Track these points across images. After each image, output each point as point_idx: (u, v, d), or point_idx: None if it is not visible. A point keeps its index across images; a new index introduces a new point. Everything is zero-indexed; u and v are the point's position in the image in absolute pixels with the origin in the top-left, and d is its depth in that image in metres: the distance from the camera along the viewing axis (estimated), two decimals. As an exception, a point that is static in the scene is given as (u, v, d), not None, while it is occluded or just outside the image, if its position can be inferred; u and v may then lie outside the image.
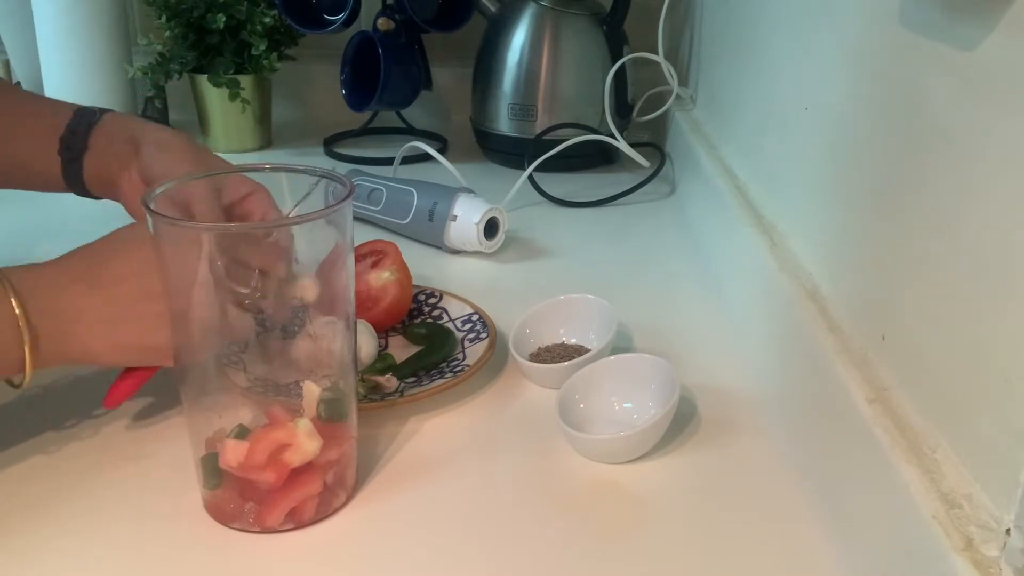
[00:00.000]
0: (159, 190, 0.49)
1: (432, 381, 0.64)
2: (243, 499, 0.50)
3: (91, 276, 0.54)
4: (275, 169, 0.61)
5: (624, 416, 0.61)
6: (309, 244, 0.49)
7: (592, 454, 0.58)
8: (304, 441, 0.49)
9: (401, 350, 0.70)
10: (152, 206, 0.46)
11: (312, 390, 0.50)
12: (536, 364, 0.66)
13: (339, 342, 0.51)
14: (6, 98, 0.70)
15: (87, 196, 0.71)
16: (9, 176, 0.71)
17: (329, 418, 0.51)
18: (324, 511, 0.52)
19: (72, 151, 0.68)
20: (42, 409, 0.61)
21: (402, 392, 0.63)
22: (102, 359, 0.55)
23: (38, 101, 0.73)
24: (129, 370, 0.57)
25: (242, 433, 0.49)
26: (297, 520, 0.51)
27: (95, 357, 0.55)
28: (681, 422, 0.61)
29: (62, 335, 0.53)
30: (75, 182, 0.69)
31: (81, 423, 0.60)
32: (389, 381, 0.63)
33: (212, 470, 0.50)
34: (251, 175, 0.62)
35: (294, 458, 0.49)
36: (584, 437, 0.57)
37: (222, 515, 0.51)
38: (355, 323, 0.53)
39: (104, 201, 0.71)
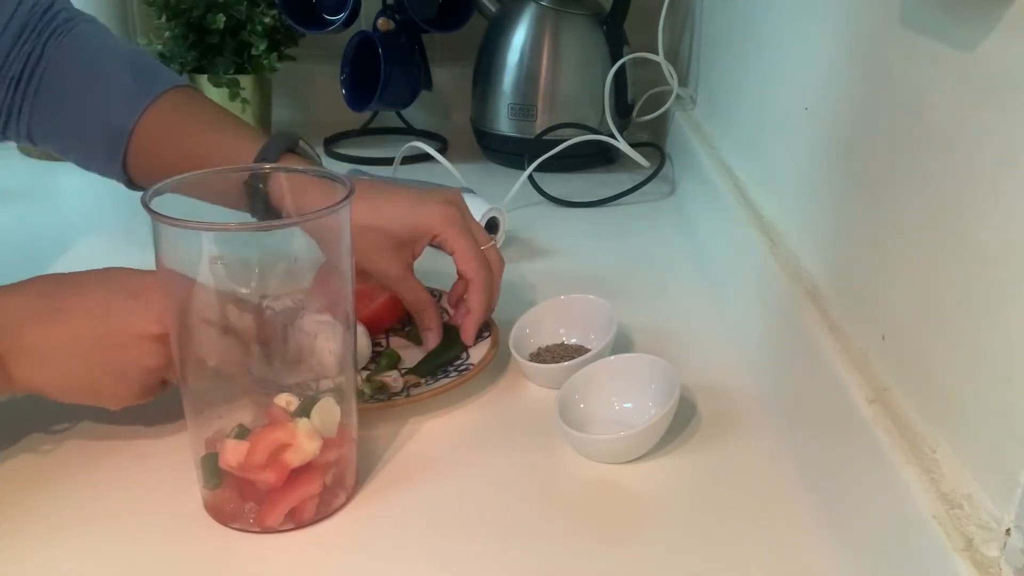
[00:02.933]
0: (160, 187, 0.49)
1: (437, 380, 0.64)
2: (243, 499, 0.50)
3: (50, 311, 0.53)
4: (275, 169, 0.61)
5: (624, 416, 0.61)
6: (310, 244, 0.49)
7: (592, 454, 0.58)
8: (304, 441, 0.49)
9: (401, 350, 0.70)
10: (152, 205, 0.46)
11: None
12: (536, 364, 0.66)
13: (339, 343, 0.51)
14: (200, 138, 0.69)
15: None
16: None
17: None
18: (324, 511, 0.52)
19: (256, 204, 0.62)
20: (41, 409, 0.61)
21: (408, 392, 0.63)
22: (45, 393, 0.54)
23: (225, 142, 0.69)
24: None
25: (242, 433, 0.49)
26: (297, 520, 0.51)
27: (38, 390, 0.54)
28: (681, 422, 0.61)
29: (7, 366, 0.52)
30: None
31: (80, 422, 0.60)
32: (396, 381, 0.63)
33: (212, 470, 0.50)
34: (253, 175, 0.62)
35: (294, 458, 0.49)
36: (584, 437, 0.57)
37: (222, 515, 0.51)
38: (355, 324, 0.53)
39: (101, 206, 0.70)
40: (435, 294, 0.76)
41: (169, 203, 0.48)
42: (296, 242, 0.49)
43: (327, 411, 0.51)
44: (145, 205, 0.46)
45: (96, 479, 0.55)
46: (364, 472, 0.56)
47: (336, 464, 0.52)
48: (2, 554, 0.49)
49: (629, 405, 0.62)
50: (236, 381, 0.51)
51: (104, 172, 0.73)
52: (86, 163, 0.74)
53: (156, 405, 0.62)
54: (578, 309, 0.71)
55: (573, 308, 0.72)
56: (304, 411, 0.50)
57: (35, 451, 0.57)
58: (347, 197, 0.48)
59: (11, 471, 0.55)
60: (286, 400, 0.50)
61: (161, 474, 0.55)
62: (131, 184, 0.73)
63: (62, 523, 0.51)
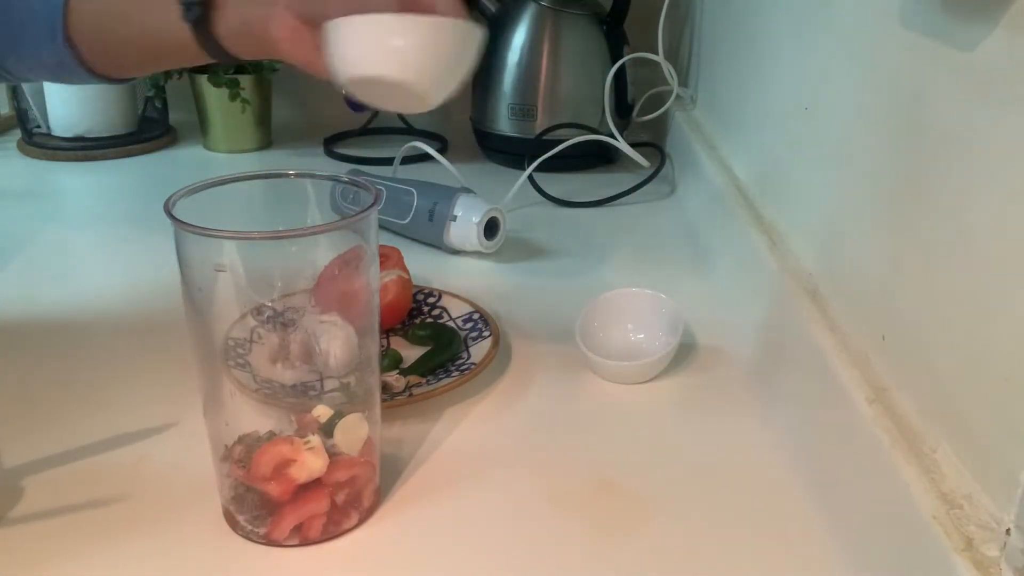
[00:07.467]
0: (183, 194, 0.48)
1: (439, 380, 0.64)
2: (254, 508, 0.49)
3: None
4: (300, 176, 0.60)
5: (636, 345, 0.71)
6: (333, 252, 0.48)
7: (608, 374, 0.66)
8: (308, 457, 0.48)
9: (401, 351, 0.70)
10: (174, 212, 0.45)
11: (326, 411, 0.50)
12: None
13: (344, 343, 0.50)
14: None
15: (233, 61, 0.60)
16: (146, 60, 0.63)
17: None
18: (333, 531, 0.50)
19: (193, 11, 0.57)
20: (70, 408, 0.62)
21: (410, 392, 0.63)
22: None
23: None
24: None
25: (268, 439, 0.49)
26: (303, 536, 0.49)
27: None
28: (682, 421, 0.61)
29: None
30: (212, 48, 0.58)
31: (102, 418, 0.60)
32: (397, 381, 0.63)
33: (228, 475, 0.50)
34: (273, 182, 0.61)
35: (300, 474, 0.48)
36: (605, 362, 0.65)
37: (233, 521, 0.51)
38: (379, 340, 0.52)
39: (101, 206, 0.69)
40: (434, 295, 0.76)
41: (190, 207, 0.47)
42: (320, 251, 0.48)
43: (351, 428, 0.49)
44: (167, 212, 0.45)
45: (118, 474, 0.55)
46: (383, 493, 0.54)
47: (350, 484, 0.50)
48: (5, 554, 0.49)
49: (642, 336, 0.71)
50: (263, 388, 0.50)
51: (49, 58, 0.60)
52: (24, 55, 0.62)
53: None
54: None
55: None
56: (332, 425, 0.49)
57: (51, 446, 0.57)
58: (373, 204, 0.48)
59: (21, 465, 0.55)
60: (321, 412, 0.49)
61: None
62: (84, 67, 0.61)
63: (73, 512, 0.51)
